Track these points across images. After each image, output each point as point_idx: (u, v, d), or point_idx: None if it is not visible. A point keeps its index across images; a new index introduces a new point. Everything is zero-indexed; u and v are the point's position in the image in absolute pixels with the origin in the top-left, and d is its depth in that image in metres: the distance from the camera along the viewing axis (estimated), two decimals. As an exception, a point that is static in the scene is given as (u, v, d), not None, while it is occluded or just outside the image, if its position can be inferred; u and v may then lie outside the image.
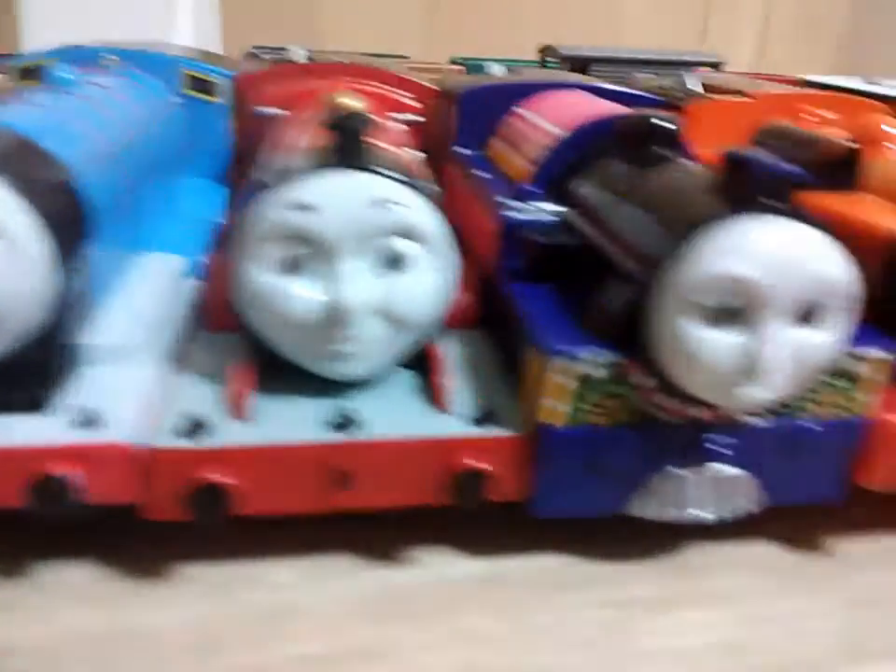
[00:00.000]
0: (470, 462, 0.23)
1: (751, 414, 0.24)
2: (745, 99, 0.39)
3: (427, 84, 0.43)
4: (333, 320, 0.23)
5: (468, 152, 0.39)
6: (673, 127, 0.29)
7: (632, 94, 0.40)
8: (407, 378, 0.26)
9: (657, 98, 0.40)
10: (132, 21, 0.82)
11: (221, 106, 0.41)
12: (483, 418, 0.24)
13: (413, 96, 0.42)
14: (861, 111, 0.39)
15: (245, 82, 0.42)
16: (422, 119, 0.41)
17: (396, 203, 0.23)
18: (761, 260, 0.21)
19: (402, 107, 0.41)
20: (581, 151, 0.31)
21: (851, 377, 0.25)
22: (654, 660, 0.23)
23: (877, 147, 0.32)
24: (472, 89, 0.39)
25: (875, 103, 0.40)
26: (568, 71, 0.93)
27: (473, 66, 1.10)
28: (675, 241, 0.22)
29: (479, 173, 0.35)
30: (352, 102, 0.33)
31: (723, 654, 0.23)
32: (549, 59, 0.94)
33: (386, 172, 0.23)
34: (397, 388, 0.26)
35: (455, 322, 0.28)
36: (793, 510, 0.27)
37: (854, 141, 0.33)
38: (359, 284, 0.23)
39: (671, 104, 0.39)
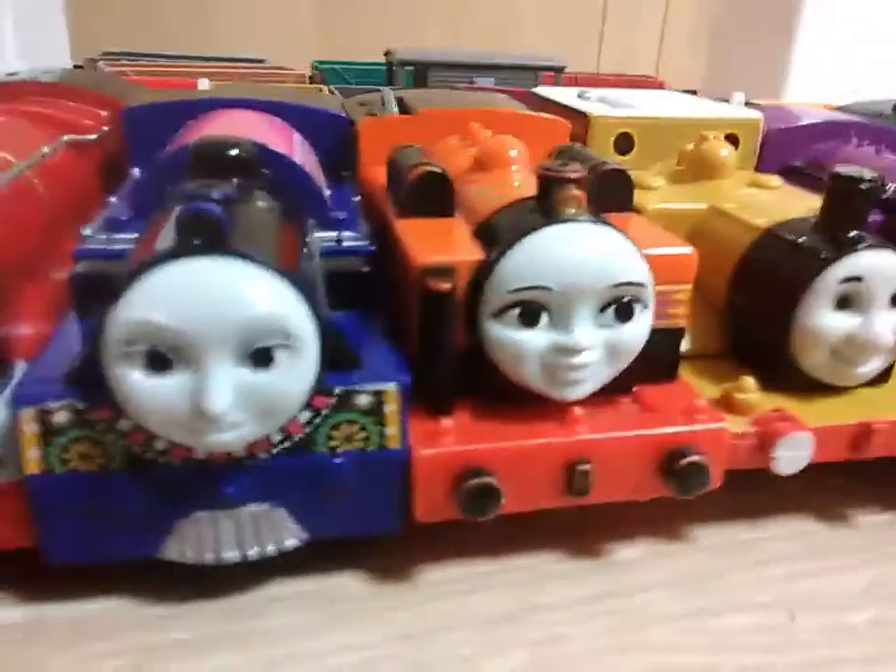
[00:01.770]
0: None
1: (262, 451, 0.24)
2: (413, 116, 0.38)
3: (119, 101, 0.41)
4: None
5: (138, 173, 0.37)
6: (245, 155, 0.28)
7: (307, 109, 0.39)
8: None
9: (336, 114, 0.39)
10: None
11: None
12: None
13: (104, 115, 0.41)
14: (535, 129, 0.38)
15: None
16: (93, 137, 0.39)
17: None
18: (168, 304, 0.20)
19: (77, 127, 0.39)
20: (175, 178, 0.30)
21: (366, 410, 0.24)
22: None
23: (494, 172, 0.31)
24: (138, 106, 0.38)
25: (560, 120, 0.40)
26: (414, 75, 0.93)
27: (328, 72, 1.09)
28: (115, 285, 0.21)
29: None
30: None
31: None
32: (392, 63, 0.93)
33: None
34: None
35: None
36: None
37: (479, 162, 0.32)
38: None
39: (347, 119, 0.38)
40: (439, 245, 0.27)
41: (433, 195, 0.29)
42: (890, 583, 0.28)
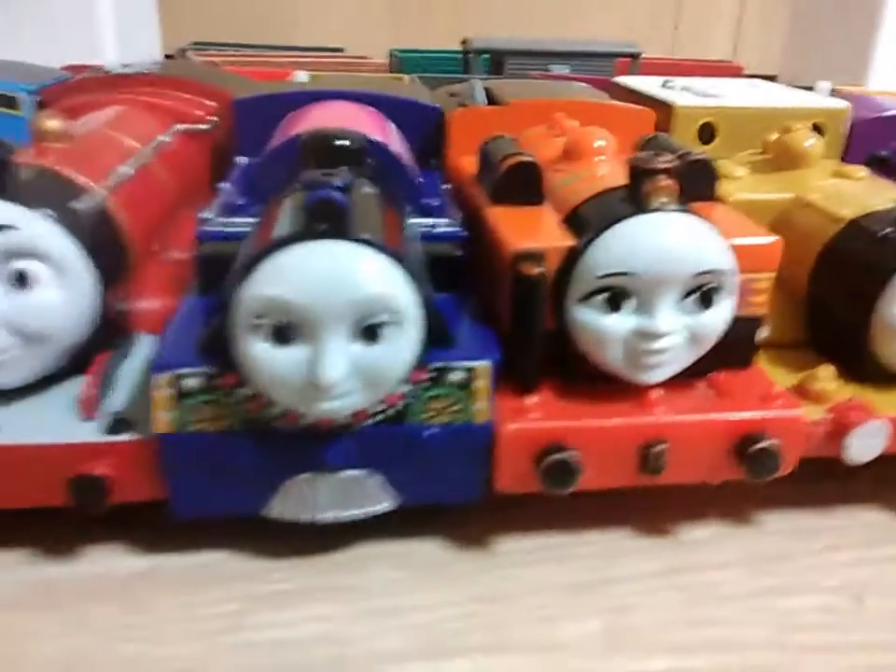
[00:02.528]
0: (88, 468, 0.25)
1: (363, 420, 0.26)
2: (502, 107, 0.40)
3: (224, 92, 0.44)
4: None
5: (245, 161, 0.40)
6: (354, 146, 0.30)
7: (400, 101, 0.41)
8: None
9: (430, 105, 0.41)
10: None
11: (24, 120, 0.43)
12: (115, 426, 0.26)
13: (212, 105, 0.44)
14: (620, 119, 0.39)
15: (49, 95, 0.44)
16: (205, 127, 0.42)
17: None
18: (295, 283, 0.22)
19: (188, 117, 0.42)
20: (285, 166, 0.32)
21: (459, 385, 0.26)
22: (255, 651, 0.25)
23: (582, 161, 0.32)
24: (247, 98, 0.40)
25: (645, 110, 0.41)
26: (490, 63, 0.94)
27: (405, 60, 1.11)
28: (245, 264, 0.23)
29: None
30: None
31: (326, 644, 0.25)
32: (468, 51, 0.94)
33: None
34: (55, 398, 0.28)
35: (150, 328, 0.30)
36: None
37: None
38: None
39: (439, 110, 0.40)
40: (530, 231, 0.28)
41: (524, 184, 0.31)
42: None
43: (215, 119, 0.44)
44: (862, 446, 0.28)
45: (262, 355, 0.23)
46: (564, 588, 0.27)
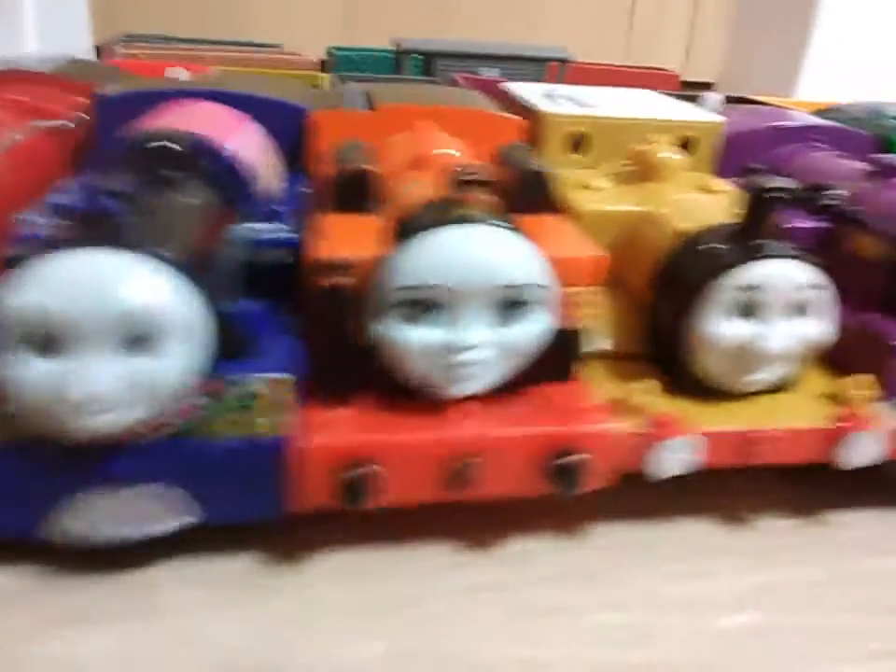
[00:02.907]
0: None
1: (152, 433, 0.25)
2: (368, 112, 0.39)
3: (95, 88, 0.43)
4: None
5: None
6: (178, 148, 0.29)
7: (268, 101, 0.40)
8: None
9: (297, 107, 0.40)
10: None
11: None
12: None
13: (82, 102, 0.43)
14: (487, 127, 0.39)
15: None
16: (68, 124, 0.41)
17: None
18: (55, 292, 0.22)
19: (51, 113, 0.41)
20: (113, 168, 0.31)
21: (255, 398, 0.25)
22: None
23: (425, 170, 0.32)
24: (107, 94, 0.39)
25: (513, 119, 0.40)
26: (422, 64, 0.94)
27: (340, 58, 1.10)
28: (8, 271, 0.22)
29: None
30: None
31: (115, 667, 0.24)
32: (399, 52, 0.94)
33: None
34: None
35: None
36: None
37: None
38: None
39: (305, 111, 0.40)
40: (343, 240, 0.28)
41: (357, 192, 0.30)
42: (775, 590, 0.29)
43: (82, 115, 0.43)
44: (672, 461, 0.28)
45: (21, 368, 0.22)
46: (366, 607, 0.27)
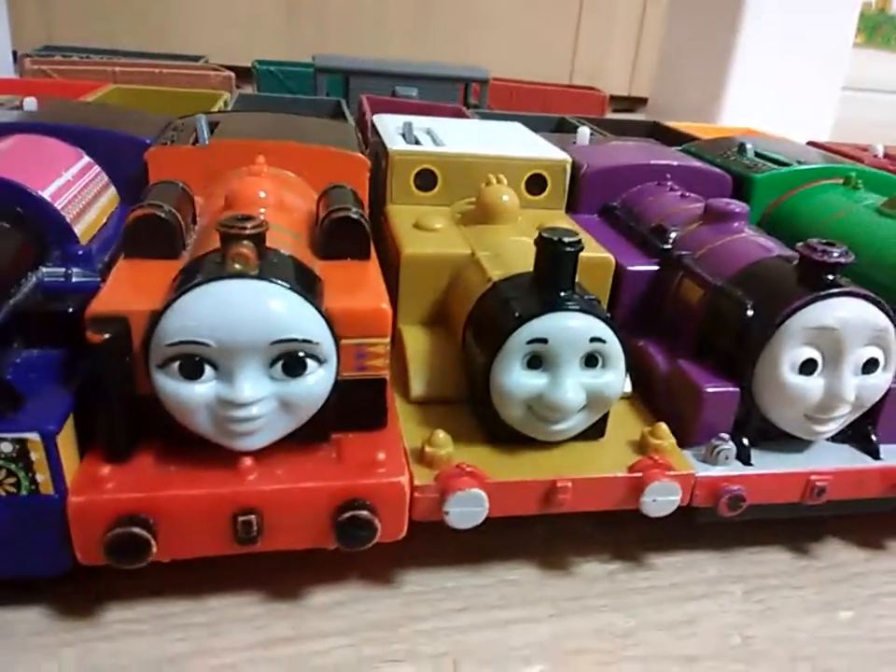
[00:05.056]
0: None
1: None
2: (201, 147, 0.39)
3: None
4: None
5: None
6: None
7: (107, 135, 0.39)
8: None
9: (138, 140, 0.40)
10: None
11: None
12: None
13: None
14: (329, 164, 0.39)
15: None
16: None
17: None
18: None
19: None
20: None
21: (11, 458, 0.25)
22: None
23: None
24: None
25: (357, 156, 0.40)
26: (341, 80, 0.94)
27: (264, 73, 1.09)
28: None
29: None
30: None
31: None
32: (316, 69, 0.93)
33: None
34: None
35: None
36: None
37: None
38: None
39: (146, 145, 0.39)
40: (128, 290, 0.27)
41: (151, 237, 0.30)
42: (571, 639, 0.29)
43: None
44: (463, 513, 0.28)
45: None
46: (153, 662, 0.26)
